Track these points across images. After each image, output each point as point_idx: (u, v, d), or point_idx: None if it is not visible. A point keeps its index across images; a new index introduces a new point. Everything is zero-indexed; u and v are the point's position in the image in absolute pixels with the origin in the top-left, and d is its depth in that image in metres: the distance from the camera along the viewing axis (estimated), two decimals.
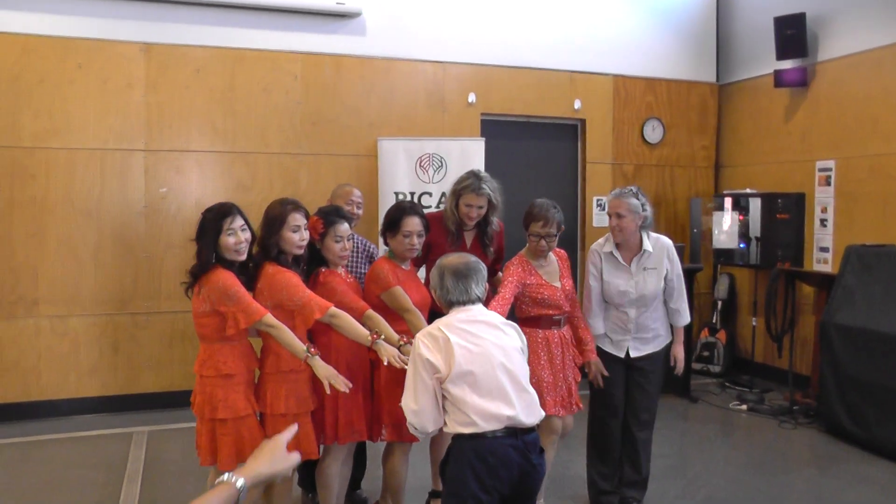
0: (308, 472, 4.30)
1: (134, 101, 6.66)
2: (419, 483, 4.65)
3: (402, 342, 3.63)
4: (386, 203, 6.47)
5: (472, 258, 3.32)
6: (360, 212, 4.86)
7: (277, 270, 3.68)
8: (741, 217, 7.70)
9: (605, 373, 4.43)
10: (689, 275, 7.45)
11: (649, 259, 4.47)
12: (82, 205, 6.55)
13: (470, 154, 6.80)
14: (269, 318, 3.50)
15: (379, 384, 3.97)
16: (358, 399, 3.90)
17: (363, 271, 4.51)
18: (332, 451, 3.93)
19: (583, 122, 8.17)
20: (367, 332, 3.57)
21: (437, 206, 6.46)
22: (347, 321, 3.60)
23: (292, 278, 3.66)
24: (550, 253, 4.35)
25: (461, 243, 4.59)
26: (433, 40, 7.49)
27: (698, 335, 8.29)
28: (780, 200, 7.55)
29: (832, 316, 6.15)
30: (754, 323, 7.78)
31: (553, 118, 8.07)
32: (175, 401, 6.46)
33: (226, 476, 1.82)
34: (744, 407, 6.94)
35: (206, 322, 3.57)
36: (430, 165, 6.86)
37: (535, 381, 4.03)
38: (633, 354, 4.54)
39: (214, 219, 3.59)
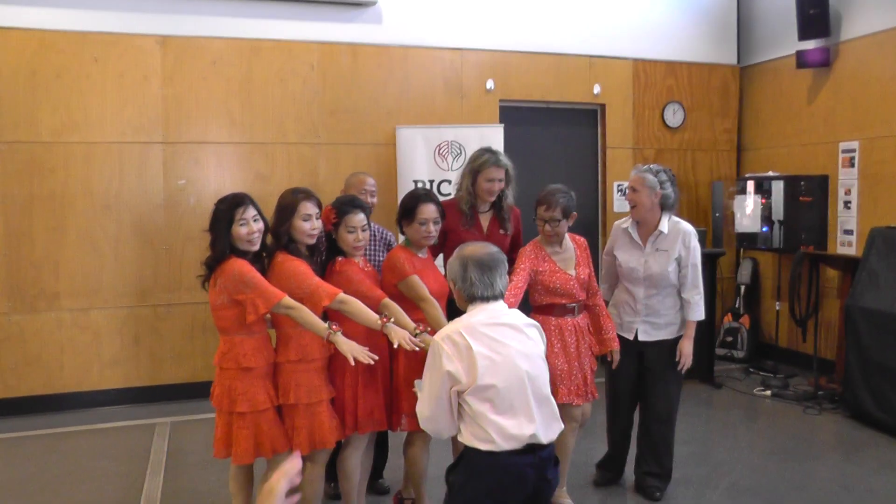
0: (329, 461, 4.30)
1: (151, 94, 6.67)
2: (440, 472, 4.61)
3: (418, 330, 3.59)
4: (405, 191, 6.40)
5: (495, 248, 3.13)
6: (374, 200, 4.83)
7: (286, 259, 3.67)
8: (764, 200, 7.61)
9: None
10: (712, 259, 7.41)
11: (664, 241, 4.44)
12: (102, 198, 6.58)
13: (489, 141, 6.69)
14: (288, 299, 3.48)
15: (398, 373, 3.95)
16: (377, 388, 3.89)
17: (381, 259, 4.48)
18: (352, 440, 3.92)
19: (602, 107, 8.10)
20: (377, 317, 3.53)
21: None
22: (357, 306, 3.57)
23: (300, 266, 3.64)
24: (567, 239, 4.30)
25: (476, 224, 4.58)
26: (450, 27, 7.45)
27: (721, 320, 8.22)
28: (802, 183, 7.45)
29: (857, 299, 6.07)
30: (778, 307, 7.70)
31: (572, 103, 8.00)
32: (197, 392, 6.49)
33: None
34: (768, 393, 6.88)
35: (225, 314, 3.56)
36: (448, 153, 6.83)
37: (549, 369, 4.00)
38: (641, 338, 4.51)
39: (227, 209, 3.58)
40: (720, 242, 7.95)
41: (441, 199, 4.23)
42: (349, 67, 7.16)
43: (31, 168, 6.39)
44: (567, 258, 4.27)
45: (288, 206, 3.73)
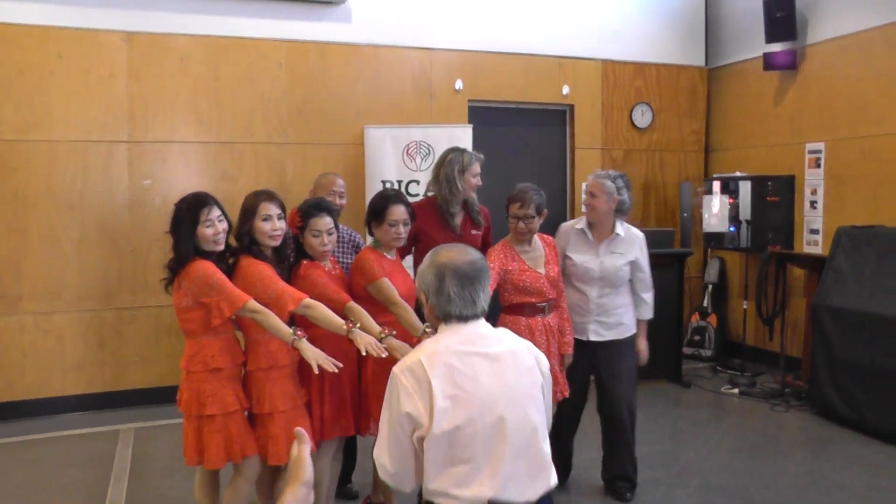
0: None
1: (116, 92, 6.56)
2: None
3: (383, 334, 3.54)
4: (373, 192, 6.33)
5: (476, 254, 2.58)
6: (343, 202, 4.78)
7: (250, 263, 3.61)
8: (731, 200, 7.65)
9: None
10: (680, 259, 7.45)
11: (619, 244, 4.54)
12: (65, 198, 6.45)
13: (458, 141, 6.67)
14: (253, 303, 3.42)
15: (366, 378, 3.91)
16: (344, 393, 3.85)
17: (349, 262, 4.43)
18: (320, 446, 3.87)
19: (571, 107, 8.10)
20: (342, 322, 3.47)
21: (426, 194, 6.41)
22: (322, 312, 3.52)
23: (265, 270, 3.59)
24: (536, 238, 4.31)
25: (449, 224, 4.56)
26: (420, 27, 7.41)
27: (689, 319, 8.27)
28: (769, 183, 7.51)
29: (823, 298, 6.13)
30: (745, 306, 7.75)
31: (541, 104, 8.00)
32: (162, 396, 6.38)
33: None
34: (735, 391, 6.92)
35: (191, 317, 3.50)
36: (417, 153, 6.79)
37: None
38: (593, 338, 4.52)
39: (190, 210, 3.52)
40: (688, 242, 8.00)
41: (410, 199, 4.19)
42: (318, 66, 7.10)
43: None
44: (536, 257, 4.28)
45: (248, 207, 3.69)
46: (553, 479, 2.48)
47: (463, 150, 4.62)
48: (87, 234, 6.52)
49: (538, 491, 2.43)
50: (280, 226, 3.70)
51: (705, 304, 8.37)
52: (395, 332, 3.60)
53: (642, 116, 8.32)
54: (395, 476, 2.42)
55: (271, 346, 3.60)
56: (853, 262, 6.06)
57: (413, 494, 2.74)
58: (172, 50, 6.68)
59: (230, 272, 3.62)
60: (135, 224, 6.64)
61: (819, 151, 7.23)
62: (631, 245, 4.56)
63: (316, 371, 3.35)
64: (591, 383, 4.69)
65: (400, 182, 6.75)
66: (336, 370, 3.35)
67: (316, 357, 3.35)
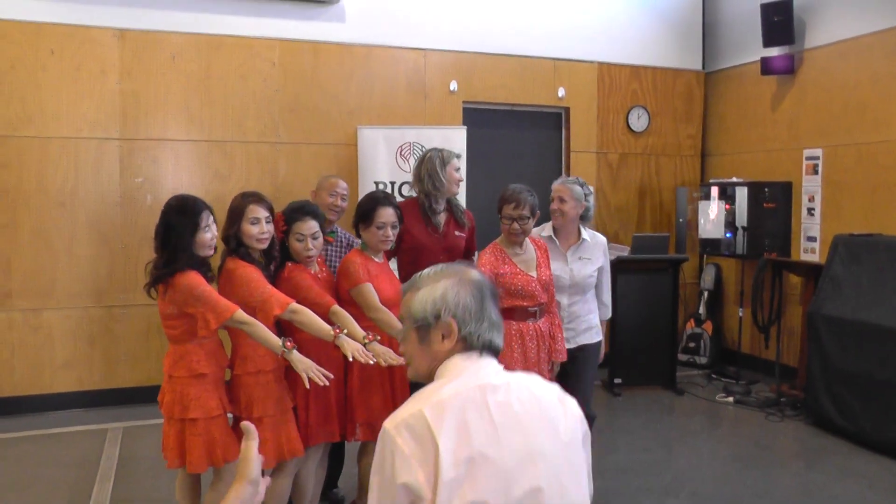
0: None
1: (108, 89, 6.50)
2: None
3: (367, 339, 3.48)
4: (366, 192, 6.35)
5: (478, 272, 2.06)
6: (345, 204, 4.70)
7: (238, 265, 3.56)
8: (727, 206, 7.61)
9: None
10: (675, 265, 7.40)
11: (587, 249, 4.58)
12: (56, 195, 6.40)
13: (451, 142, 6.63)
14: (241, 314, 3.35)
15: (352, 383, 3.86)
16: (330, 399, 3.79)
17: None
18: (306, 452, 3.81)
19: (567, 110, 8.05)
20: (329, 328, 3.42)
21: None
22: (308, 317, 3.46)
23: (252, 273, 3.53)
24: (528, 241, 4.24)
25: (433, 224, 4.51)
26: (414, 27, 7.35)
27: (684, 326, 8.22)
28: (766, 189, 7.47)
29: (819, 306, 6.07)
30: (741, 314, 7.70)
31: (536, 106, 7.95)
32: (152, 396, 6.11)
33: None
34: (730, 399, 6.86)
35: (175, 324, 3.45)
36: (410, 154, 6.73)
37: None
38: (567, 346, 4.48)
39: (191, 216, 3.42)
40: (683, 248, 7.94)
41: (400, 200, 4.14)
42: (311, 65, 7.05)
43: None
44: (528, 259, 4.21)
45: (236, 209, 3.63)
46: None
47: (437, 150, 4.60)
48: (77, 231, 6.46)
49: None
50: (268, 229, 3.65)
51: (700, 310, 8.32)
52: (378, 338, 3.56)
53: (638, 120, 8.27)
54: None
55: (259, 351, 3.55)
56: (850, 271, 6.01)
57: None
58: (165, 47, 6.63)
59: (215, 276, 3.57)
60: (126, 221, 6.58)
61: (817, 158, 7.18)
62: (597, 249, 4.63)
63: (307, 385, 3.30)
64: None
65: (393, 183, 6.70)
66: (327, 382, 3.30)
67: (306, 369, 3.30)
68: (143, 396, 6.52)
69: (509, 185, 4.22)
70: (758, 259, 7.14)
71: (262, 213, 3.63)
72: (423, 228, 4.45)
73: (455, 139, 6.68)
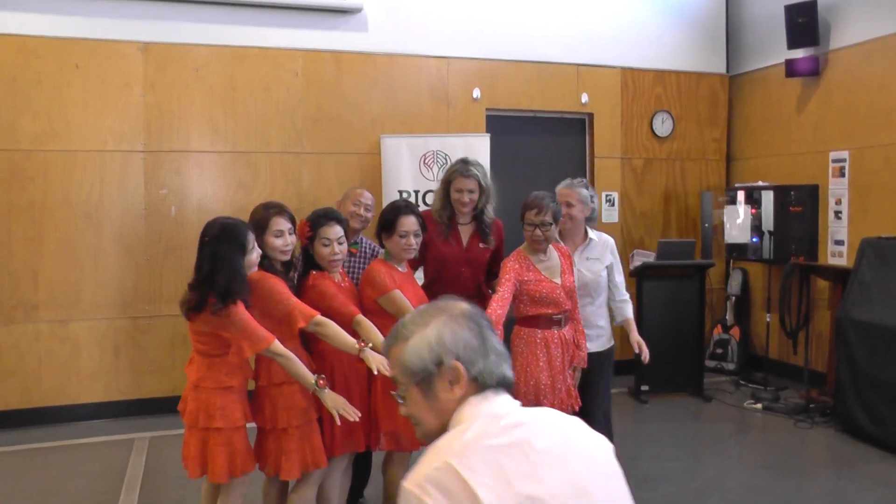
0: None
1: (133, 102, 6.57)
2: None
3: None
4: (390, 201, 6.36)
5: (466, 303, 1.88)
6: (370, 214, 4.69)
7: (262, 276, 3.54)
8: (753, 210, 7.54)
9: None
10: (701, 270, 7.34)
11: (594, 248, 4.57)
12: (82, 207, 6.46)
13: (475, 150, 6.64)
14: (276, 345, 3.33)
15: (376, 393, 3.84)
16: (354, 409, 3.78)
17: None
18: (330, 462, 3.81)
19: (590, 115, 8.02)
20: (354, 341, 3.41)
21: None
22: (333, 330, 3.45)
23: (276, 284, 3.53)
24: (551, 248, 4.22)
25: (455, 236, 4.48)
26: (436, 35, 7.36)
27: (711, 332, 8.15)
28: (793, 193, 7.39)
29: (848, 311, 5.99)
30: (768, 319, 7.62)
31: (560, 112, 7.92)
32: (178, 406, 6.35)
33: None
34: (758, 406, 6.78)
35: (207, 340, 3.42)
36: (434, 163, 6.73)
37: (534, 383, 4.01)
38: None
39: (241, 240, 3.37)
40: (709, 253, 7.87)
41: (423, 209, 4.13)
42: (334, 75, 7.07)
43: (9, 176, 6.28)
44: (552, 266, 4.18)
45: (260, 221, 3.63)
46: None
47: (458, 161, 4.55)
48: (103, 243, 6.52)
49: None
50: (291, 241, 3.67)
51: (727, 316, 8.24)
52: None
53: (662, 125, 8.22)
54: None
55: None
56: (879, 275, 5.92)
57: None
58: (188, 60, 6.68)
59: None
60: (151, 233, 6.63)
61: (843, 160, 7.10)
62: (605, 249, 4.60)
63: (338, 422, 3.31)
64: None
65: (417, 192, 6.70)
66: (357, 419, 3.31)
67: (336, 406, 3.31)
68: (169, 406, 6.46)
69: (532, 192, 4.21)
70: (785, 263, 7.05)
71: (286, 224, 3.64)
72: (443, 240, 4.44)
73: (478, 147, 6.67)
